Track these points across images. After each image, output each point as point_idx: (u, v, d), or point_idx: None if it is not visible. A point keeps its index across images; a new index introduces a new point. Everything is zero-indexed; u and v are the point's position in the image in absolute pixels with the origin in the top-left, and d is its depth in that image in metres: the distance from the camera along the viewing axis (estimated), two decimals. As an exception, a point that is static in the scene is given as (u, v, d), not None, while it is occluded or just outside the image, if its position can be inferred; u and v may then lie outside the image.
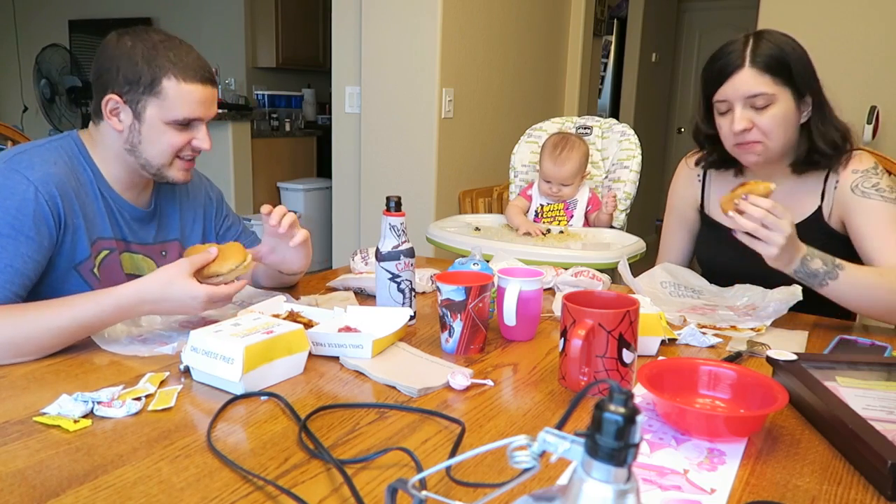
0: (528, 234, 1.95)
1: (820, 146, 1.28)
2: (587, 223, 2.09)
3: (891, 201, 1.24)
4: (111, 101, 1.12)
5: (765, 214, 1.08)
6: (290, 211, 1.21)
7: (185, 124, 1.15)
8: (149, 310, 1.03)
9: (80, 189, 1.14)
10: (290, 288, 1.37)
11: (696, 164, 1.48)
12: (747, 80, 1.23)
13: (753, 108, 1.24)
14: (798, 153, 1.30)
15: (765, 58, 1.23)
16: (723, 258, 1.42)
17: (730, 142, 1.30)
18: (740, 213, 1.10)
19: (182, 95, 1.12)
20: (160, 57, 1.11)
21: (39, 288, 1.10)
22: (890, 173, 1.61)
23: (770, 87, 1.22)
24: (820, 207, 1.32)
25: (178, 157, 1.18)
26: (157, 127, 1.13)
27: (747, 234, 1.10)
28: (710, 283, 1.41)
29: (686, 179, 1.51)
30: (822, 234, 1.30)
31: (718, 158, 1.41)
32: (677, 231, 1.55)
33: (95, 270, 1.15)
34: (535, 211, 2.14)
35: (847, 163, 1.30)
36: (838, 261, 1.14)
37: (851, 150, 1.31)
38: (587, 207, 2.10)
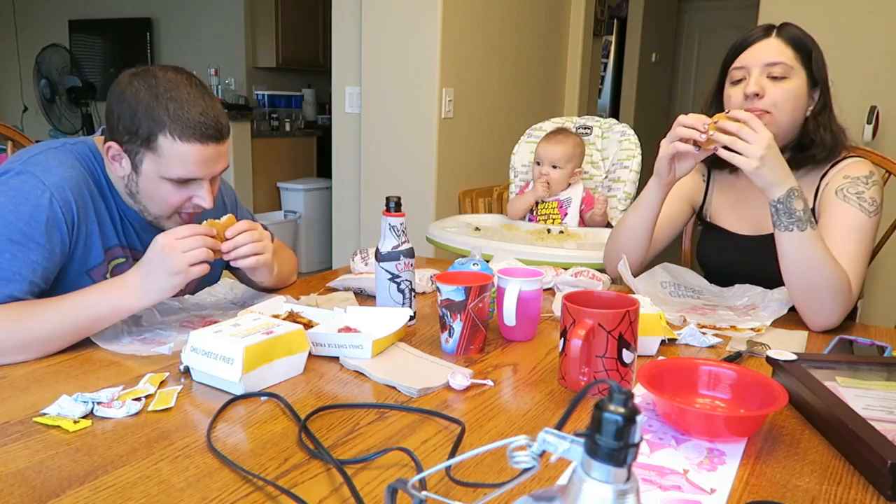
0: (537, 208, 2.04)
1: (814, 141, 1.28)
2: (582, 222, 2.11)
3: (865, 213, 1.23)
4: (111, 148, 1.09)
5: (740, 127, 1.10)
6: (263, 231, 1.16)
7: (184, 181, 1.10)
8: (135, 280, 1.01)
9: (96, 195, 1.13)
10: (290, 288, 1.37)
11: None
12: (771, 48, 1.27)
13: (769, 79, 1.26)
14: (794, 139, 1.31)
15: (790, 34, 1.28)
16: (725, 261, 1.42)
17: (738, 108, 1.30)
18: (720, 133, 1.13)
19: (177, 155, 1.06)
20: (159, 109, 1.05)
21: (52, 292, 1.08)
22: (890, 173, 1.61)
23: (790, 59, 1.26)
24: (812, 209, 1.31)
25: (177, 212, 1.14)
26: (154, 181, 1.09)
27: (727, 150, 1.12)
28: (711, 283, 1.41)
29: (691, 172, 1.49)
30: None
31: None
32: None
33: (109, 276, 1.15)
34: (531, 208, 2.16)
35: (842, 167, 1.29)
36: (812, 219, 1.14)
37: (847, 156, 1.31)
38: (581, 206, 2.11)
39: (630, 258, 1.33)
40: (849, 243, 1.21)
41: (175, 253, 1.00)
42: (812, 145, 1.29)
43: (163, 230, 1.14)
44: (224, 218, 1.10)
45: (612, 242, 1.41)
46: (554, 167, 2.11)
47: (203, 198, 1.12)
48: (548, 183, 2.11)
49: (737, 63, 1.30)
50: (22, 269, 1.02)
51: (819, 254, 1.14)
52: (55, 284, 1.09)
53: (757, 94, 1.25)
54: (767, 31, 1.29)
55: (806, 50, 1.28)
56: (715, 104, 1.39)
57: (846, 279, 1.16)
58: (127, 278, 1.03)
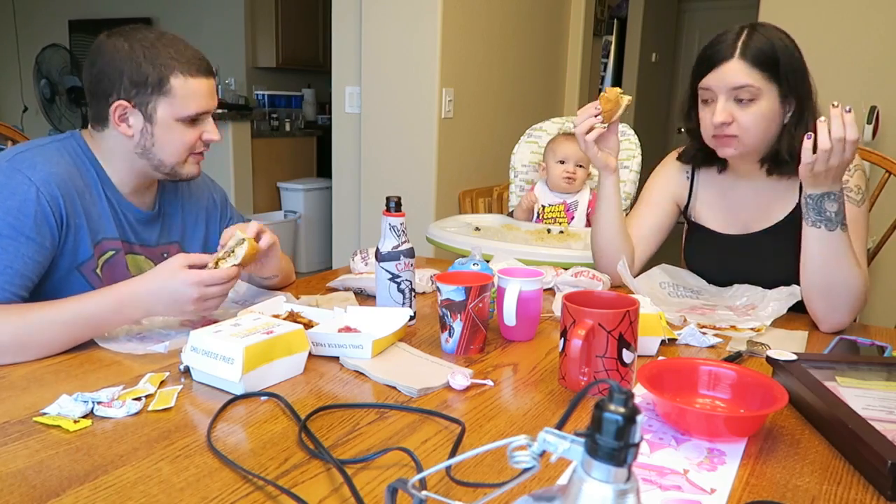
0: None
1: (786, 160, 1.25)
2: (589, 224, 2.10)
3: (853, 202, 1.22)
4: (119, 107, 1.11)
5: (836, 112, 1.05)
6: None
7: (195, 119, 1.16)
8: (147, 304, 1.02)
9: (85, 189, 1.14)
10: (290, 288, 1.37)
11: (680, 157, 1.45)
12: (734, 72, 1.21)
13: (736, 102, 1.22)
14: (769, 151, 1.28)
15: (755, 51, 1.21)
16: (710, 260, 1.42)
17: (708, 132, 1.27)
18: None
19: (190, 91, 1.13)
20: (162, 55, 1.11)
21: (42, 288, 1.09)
22: (890, 173, 1.61)
23: (757, 80, 1.20)
24: (798, 206, 1.30)
25: (191, 153, 1.19)
26: (170, 126, 1.14)
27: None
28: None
29: (674, 171, 1.47)
30: (799, 234, 1.28)
31: (702, 154, 1.38)
32: (647, 217, 1.47)
33: (98, 271, 1.15)
34: (537, 212, 2.16)
35: None
36: (844, 222, 1.13)
37: None
38: (588, 210, 2.11)
39: (616, 256, 1.34)
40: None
41: (197, 302, 1.03)
42: (791, 160, 1.24)
43: (182, 179, 1.21)
44: (243, 240, 1.08)
45: (594, 243, 1.42)
46: (579, 166, 2.10)
47: (213, 131, 1.19)
48: (572, 180, 2.10)
49: (703, 83, 1.25)
50: (13, 263, 1.03)
51: (843, 256, 1.13)
52: (46, 280, 1.10)
53: (725, 123, 1.22)
54: (732, 47, 1.22)
55: (773, 64, 1.21)
56: (691, 116, 1.36)
57: (864, 284, 1.16)
58: (138, 296, 1.02)
